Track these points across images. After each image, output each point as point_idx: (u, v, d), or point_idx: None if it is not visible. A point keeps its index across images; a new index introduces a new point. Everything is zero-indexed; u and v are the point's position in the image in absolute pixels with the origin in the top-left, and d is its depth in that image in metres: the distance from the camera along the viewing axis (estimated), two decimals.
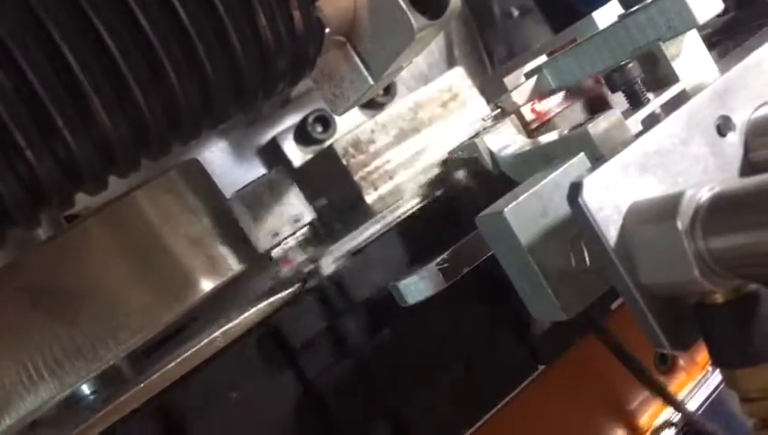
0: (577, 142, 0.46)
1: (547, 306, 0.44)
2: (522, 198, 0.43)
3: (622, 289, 0.39)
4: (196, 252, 0.54)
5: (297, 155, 0.92)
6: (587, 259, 0.43)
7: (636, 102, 0.49)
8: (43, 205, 0.38)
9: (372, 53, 0.46)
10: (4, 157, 0.35)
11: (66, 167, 0.36)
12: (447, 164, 0.60)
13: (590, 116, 0.48)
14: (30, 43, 0.35)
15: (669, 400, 0.62)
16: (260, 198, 0.52)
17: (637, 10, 0.52)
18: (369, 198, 0.83)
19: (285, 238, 0.53)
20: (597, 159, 0.44)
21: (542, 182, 0.44)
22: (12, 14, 0.35)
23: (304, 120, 0.90)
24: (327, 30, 0.45)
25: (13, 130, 0.34)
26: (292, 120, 0.89)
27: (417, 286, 0.54)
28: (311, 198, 0.86)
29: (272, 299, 0.53)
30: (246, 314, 0.51)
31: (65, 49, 0.35)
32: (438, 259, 0.54)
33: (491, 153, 0.54)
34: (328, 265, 0.55)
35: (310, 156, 0.91)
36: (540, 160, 0.50)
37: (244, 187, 0.52)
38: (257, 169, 0.83)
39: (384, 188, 0.84)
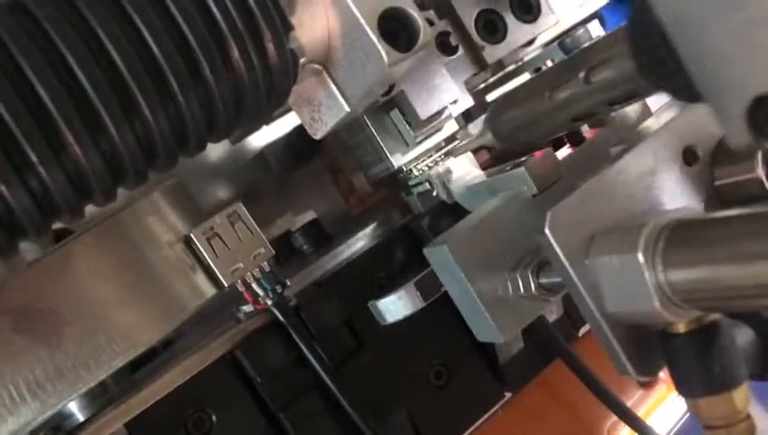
0: (515, 179, 0.49)
1: (486, 329, 0.47)
2: (462, 231, 0.47)
3: (588, 317, 0.40)
4: (179, 273, 0.55)
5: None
6: (521, 288, 0.46)
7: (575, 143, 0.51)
8: (18, 236, 0.38)
9: (347, 81, 0.46)
10: None
11: (41, 200, 0.37)
12: (410, 193, 0.62)
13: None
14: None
15: (635, 426, 0.63)
16: (220, 232, 0.53)
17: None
18: (356, 210, 0.84)
19: (246, 272, 0.54)
20: (533, 196, 0.48)
21: (482, 216, 0.48)
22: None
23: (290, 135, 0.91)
24: (303, 59, 0.46)
25: None
26: (278, 135, 0.90)
27: (395, 305, 0.55)
28: (298, 210, 0.87)
29: (233, 331, 0.54)
30: (212, 345, 0.52)
31: (36, 82, 0.36)
32: (416, 278, 0.55)
33: (445, 185, 0.57)
34: (290, 297, 0.56)
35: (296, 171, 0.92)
36: (487, 193, 0.53)
37: (204, 221, 0.53)
38: (243, 187, 0.84)
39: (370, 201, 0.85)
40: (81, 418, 0.58)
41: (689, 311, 0.36)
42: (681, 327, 0.37)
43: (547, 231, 0.38)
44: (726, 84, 0.28)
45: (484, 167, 0.61)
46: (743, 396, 0.37)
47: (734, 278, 0.33)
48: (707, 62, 0.28)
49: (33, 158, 0.36)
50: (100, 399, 0.59)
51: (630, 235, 0.37)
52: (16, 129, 0.35)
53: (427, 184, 0.60)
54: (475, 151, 0.60)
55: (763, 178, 0.42)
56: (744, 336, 0.39)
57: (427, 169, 0.60)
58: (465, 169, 0.59)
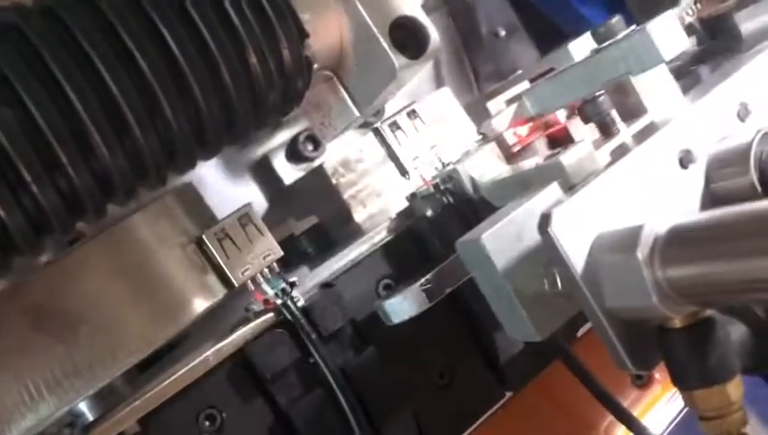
0: (551, 171, 0.49)
1: (522, 327, 0.46)
2: (498, 224, 0.46)
3: (589, 313, 0.42)
4: (190, 274, 0.56)
5: (288, 173, 0.94)
6: (559, 283, 0.45)
7: (606, 133, 0.52)
8: (46, 234, 0.40)
9: (358, 87, 0.48)
10: (11, 191, 0.37)
11: (68, 199, 0.39)
12: (414, 196, 0.63)
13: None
14: (34, 83, 0.38)
15: (631, 426, 0.65)
16: (231, 233, 0.55)
17: (609, 45, 0.55)
18: (358, 215, 0.86)
19: (256, 273, 0.55)
20: (569, 189, 0.46)
21: (518, 210, 0.46)
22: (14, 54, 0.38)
23: (295, 138, 0.92)
24: (315, 65, 0.48)
25: (19, 166, 0.37)
26: (284, 138, 0.92)
27: (401, 306, 0.56)
28: (301, 215, 0.89)
29: (244, 330, 0.55)
30: (223, 343, 0.54)
31: (67, 88, 0.38)
32: (422, 280, 0.56)
33: (472, 179, 0.57)
34: (298, 297, 0.57)
35: (301, 173, 0.93)
36: (517, 187, 0.53)
37: (216, 223, 0.55)
38: (249, 187, 0.85)
39: (373, 206, 0.87)
40: (90, 417, 0.59)
41: (685, 306, 0.38)
42: (678, 322, 0.39)
43: (553, 229, 0.40)
44: None
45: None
46: (736, 388, 0.39)
47: (727, 274, 0.34)
48: None
49: (63, 159, 0.37)
50: (110, 399, 0.60)
51: (629, 235, 0.39)
52: (50, 134, 0.37)
53: (430, 187, 0.62)
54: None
55: (756, 182, 0.44)
56: (737, 332, 0.41)
57: (447, 165, 0.60)
58: (490, 164, 0.58)
